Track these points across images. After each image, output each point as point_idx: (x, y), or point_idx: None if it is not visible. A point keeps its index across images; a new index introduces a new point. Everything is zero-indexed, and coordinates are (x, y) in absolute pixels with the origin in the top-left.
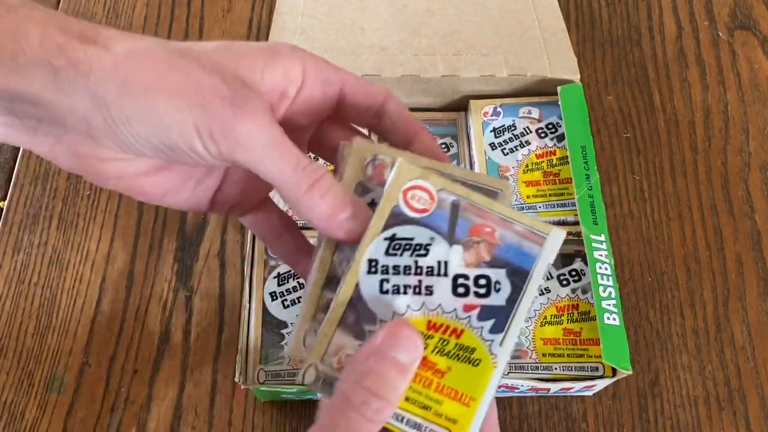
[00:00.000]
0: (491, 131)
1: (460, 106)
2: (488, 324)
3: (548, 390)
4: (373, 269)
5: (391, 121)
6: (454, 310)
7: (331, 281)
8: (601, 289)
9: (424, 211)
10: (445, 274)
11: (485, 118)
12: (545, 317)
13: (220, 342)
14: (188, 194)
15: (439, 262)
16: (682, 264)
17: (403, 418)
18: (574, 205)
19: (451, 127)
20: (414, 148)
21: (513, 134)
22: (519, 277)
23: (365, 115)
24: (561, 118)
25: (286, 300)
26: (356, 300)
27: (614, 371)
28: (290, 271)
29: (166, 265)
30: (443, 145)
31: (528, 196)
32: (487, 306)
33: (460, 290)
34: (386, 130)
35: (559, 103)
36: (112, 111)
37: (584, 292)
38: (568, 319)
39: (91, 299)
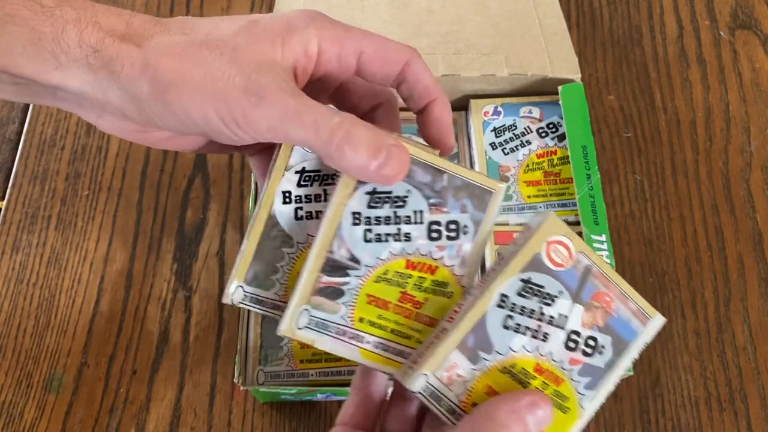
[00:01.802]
0: (492, 131)
1: (461, 105)
2: (586, 380)
3: None
4: (502, 304)
5: (407, 88)
6: (561, 360)
7: (329, 266)
8: None
9: (560, 265)
10: (563, 327)
11: (486, 118)
12: None
13: (219, 342)
14: (217, 146)
15: (560, 315)
16: (683, 264)
17: None
18: (574, 205)
19: None
20: (423, 116)
21: (513, 134)
22: (620, 346)
23: (384, 82)
24: (562, 118)
25: None
26: (479, 326)
27: None
28: None
29: (165, 265)
30: None
31: (528, 196)
32: (589, 365)
33: (571, 345)
34: (403, 96)
35: (560, 102)
36: (144, 106)
37: None
38: None
39: (90, 299)
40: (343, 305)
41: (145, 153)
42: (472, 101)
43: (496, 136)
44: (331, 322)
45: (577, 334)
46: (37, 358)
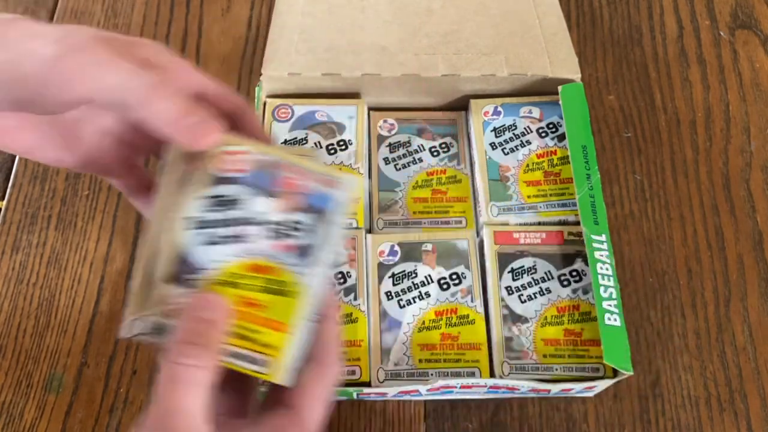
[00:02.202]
0: (492, 131)
1: (461, 105)
2: (300, 260)
3: (549, 391)
4: (193, 225)
5: (243, 127)
6: (271, 252)
7: (167, 274)
8: (602, 289)
9: (241, 170)
10: (261, 223)
11: (486, 118)
12: (546, 318)
13: None
14: (53, 153)
15: (255, 213)
16: (683, 264)
17: (226, 351)
18: (574, 204)
19: (451, 127)
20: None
21: (514, 134)
22: (324, 216)
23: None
24: (562, 118)
25: None
26: (176, 255)
27: (615, 372)
28: None
29: None
30: (443, 145)
31: (529, 196)
32: (301, 245)
33: (276, 234)
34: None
35: (560, 102)
36: None
37: (585, 292)
38: (568, 320)
39: (90, 299)
40: None
41: None
42: (472, 101)
43: (496, 136)
44: (170, 327)
45: (279, 223)
46: (37, 358)
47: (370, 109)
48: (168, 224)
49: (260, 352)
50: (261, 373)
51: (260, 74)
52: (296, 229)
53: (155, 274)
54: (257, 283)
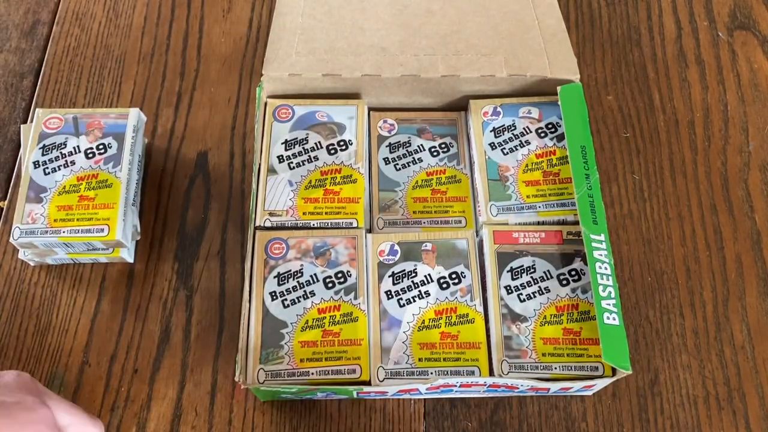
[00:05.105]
0: (491, 131)
1: (460, 106)
2: (111, 166)
3: (548, 390)
4: (37, 166)
5: None
6: (92, 169)
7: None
8: (600, 288)
9: (57, 127)
10: (80, 150)
11: (485, 118)
12: (545, 317)
13: (220, 341)
14: None
15: (74, 147)
16: (682, 264)
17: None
18: (573, 204)
19: (451, 127)
20: None
21: (513, 134)
22: (120, 137)
23: None
24: (561, 118)
25: (286, 300)
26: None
27: (614, 371)
28: (290, 270)
29: (166, 264)
30: (443, 145)
31: (528, 196)
32: (109, 156)
33: (91, 154)
34: None
35: (559, 103)
36: None
37: (584, 291)
38: (567, 319)
39: (92, 298)
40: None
41: (147, 153)
42: (472, 102)
43: (496, 136)
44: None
45: (90, 148)
46: (39, 357)
47: (370, 109)
48: None
49: (98, 224)
50: (102, 237)
51: (261, 75)
52: (102, 147)
53: None
54: (92, 185)
